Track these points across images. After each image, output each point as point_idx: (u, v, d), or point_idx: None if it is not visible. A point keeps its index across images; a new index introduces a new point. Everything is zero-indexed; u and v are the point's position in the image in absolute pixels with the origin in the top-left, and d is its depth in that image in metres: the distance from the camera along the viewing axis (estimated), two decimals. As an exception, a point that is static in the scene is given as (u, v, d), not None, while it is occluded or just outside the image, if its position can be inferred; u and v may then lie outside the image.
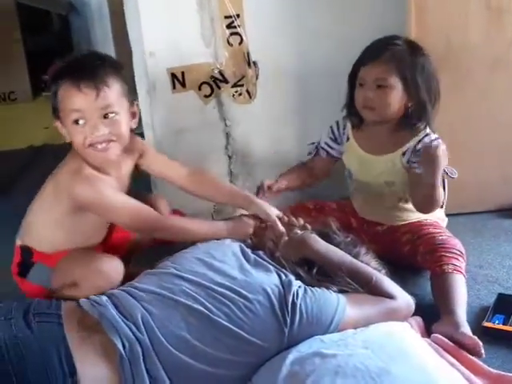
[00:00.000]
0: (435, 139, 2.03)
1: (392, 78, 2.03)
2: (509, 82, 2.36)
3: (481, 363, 1.65)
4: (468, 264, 2.09)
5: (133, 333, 1.47)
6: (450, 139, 2.36)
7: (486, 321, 1.85)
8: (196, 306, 1.53)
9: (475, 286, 2.06)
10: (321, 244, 1.77)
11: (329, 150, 2.30)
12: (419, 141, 2.08)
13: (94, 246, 2.00)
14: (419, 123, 2.08)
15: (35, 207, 1.96)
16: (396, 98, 2.05)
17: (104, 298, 1.56)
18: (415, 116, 2.07)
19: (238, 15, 2.43)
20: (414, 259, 2.09)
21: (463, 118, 2.39)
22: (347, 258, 1.75)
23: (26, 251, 1.97)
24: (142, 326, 1.48)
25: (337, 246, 1.80)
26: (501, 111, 2.40)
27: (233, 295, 1.56)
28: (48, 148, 3.63)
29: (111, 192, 1.86)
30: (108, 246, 2.04)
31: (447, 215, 2.28)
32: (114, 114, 1.80)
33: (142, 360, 1.44)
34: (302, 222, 1.92)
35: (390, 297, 1.68)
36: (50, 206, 1.91)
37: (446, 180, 2.08)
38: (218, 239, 1.87)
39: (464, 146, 2.41)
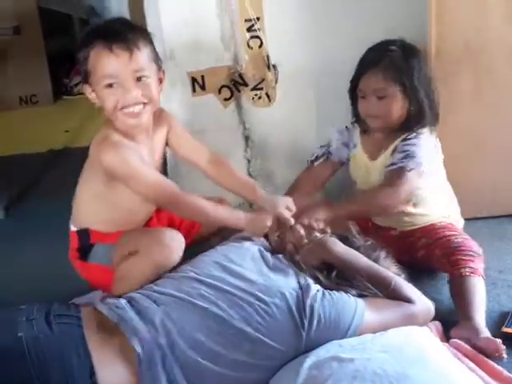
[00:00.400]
0: (411, 148, 2.03)
1: (391, 88, 2.04)
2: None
3: (500, 368, 1.64)
4: (487, 268, 2.08)
5: (151, 336, 1.47)
6: (468, 140, 2.38)
7: (506, 326, 1.83)
8: (214, 309, 1.54)
9: (495, 290, 2.04)
10: (341, 247, 1.77)
11: (340, 155, 2.27)
12: (403, 139, 2.07)
13: (143, 222, 2.05)
14: (418, 125, 2.07)
15: (79, 187, 2.02)
16: (397, 105, 2.06)
17: (123, 301, 1.57)
18: (414, 119, 2.07)
19: (258, 18, 2.43)
20: (429, 263, 2.08)
21: (482, 120, 2.37)
22: (367, 261, 1.75)
23: (83, 234, 2.01)
24: (161, 329, 1.49)
25: (356, 249, 1.79)
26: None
27: (251, 299, 1.56)
28: (68, 151, 3.65)
29: (136, 160, 1.86)
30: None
31: (465, 219, 2.26)
32: (145, 78, 1.82)
33: (160, 363, 1.45)
34: (321, 225, 1.92)
35: (410, 301, 1.68)
36: (89, 181, 1.98)
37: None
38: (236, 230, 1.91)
39: (482, 147, 2.40)
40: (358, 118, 2.19)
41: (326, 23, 2.50)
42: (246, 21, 2.43)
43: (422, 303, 1.70)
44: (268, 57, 2.47)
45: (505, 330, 1.82)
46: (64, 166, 3.40)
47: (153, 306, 1.54)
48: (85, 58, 1.82)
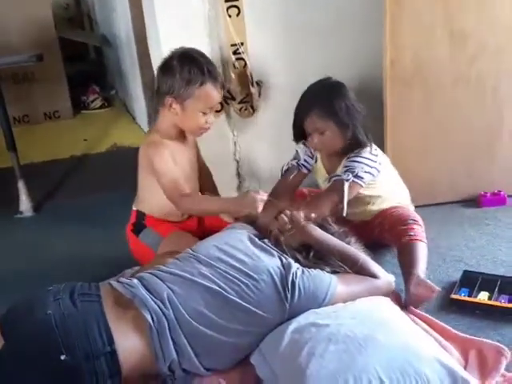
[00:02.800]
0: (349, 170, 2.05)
1: (325, 126, 2.07)
2: (470, 94, 2.36)
3: (450, 328, 1.65)
4: (438, 246, 2.10)
5: (160, 308, 1.47)
6: (423, 142, 2.40)
7: (454, 294, 1.85)
8: (212, 285, 1.53)
9: (444, 264, 2.06)
10: (317, 231, 1.77)
11: (307, 165, 2.29)
12: (348, 157, 2.10)
13: (181, 219, 2.14)
14: (358, 148, 2.09)
15: (138, 177, 2.12)
16: (335, 136, 2.08)
17: (135, 280, 1.56)
18: (353, 144, 2.09)
19: (242, 43, 2.43)
20: (383, 239, 2.09)
21: (433, 125, 2.39)
22: (339, 243, 1.75)
23: (140, 215, 2.15)
24: (168, 303, 1.48)
25: (331, 235, 1.79)
26: (464, 118, 2.39)
27: (242, 276, 1.56)
28: (87, 157, 3.64)
29: (164, 158, 1.98)
30: (205, 230, 2.14)
31: (420, 206, 2.27)
32: None
33: (167, 331, 1.45)
34: (302, 215, 1.90)
35: (374, 276, 1.68)
36: (142, 173, 2.09)
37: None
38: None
39: (434, 147, 2.42)
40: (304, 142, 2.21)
41: (299, 48, 2.51)
42: (231, 45, 2.43)
43: (385, 278, 1.70)
44: (251, 75, 2.46)
45: (453, 296, 1.84)
46: (84, 170, 3.42)
47: (161, 284, 1.54)
48: (190, 85, 1.95)
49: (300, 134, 2.17)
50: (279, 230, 1.79)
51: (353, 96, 2.11)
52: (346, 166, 2.08)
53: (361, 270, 1.68)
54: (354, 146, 2.10)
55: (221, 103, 2.47)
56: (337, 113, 2.05)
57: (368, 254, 1.78)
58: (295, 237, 1.75)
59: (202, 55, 2.04)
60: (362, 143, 2.09)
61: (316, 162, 2.27)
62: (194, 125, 2.03)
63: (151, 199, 2.11)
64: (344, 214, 2.01)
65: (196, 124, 2.03)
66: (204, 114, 2.00)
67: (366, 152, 2.09)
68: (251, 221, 1.85)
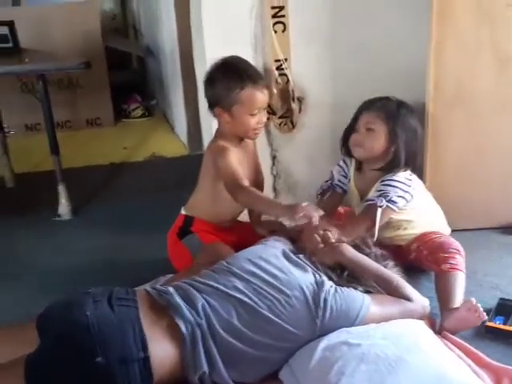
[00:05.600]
0: (383, 194, 2.03)
1: (378, 124, 2.07)
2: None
3: (484, 356, 1.63)
4: (474, 272, 2.07)
5: (194, 318, 1.48)
6: (462, 167, 2.37)
7: (489, 321, 1.82)
8: (245, 299, 1.54)
9: (480, 290, 2.02)
10: (351, 252, 1.76)
11: (343, 186, 2.29)
12: (382, 180, 2.09)
13: (229, 225, 2.20)
14: (394, 169, 2.08)
15: (198, 185, 2.18)
16: (380, 139, 2.07)
17: (171, 288, 1.58)
18: (391, 164, 2.08)
19: (286, 59, 2.45)
20: (420, 264, 2.07)
21: (474, 150, 2.37)
22: (373, 264, 1.74)
23: (188, 220, 2.18)
24: (202, 313, 1.50)
25: (367, 255, 1.78)
26: (505, 146, 2.37)
27: (275, 291, 1.56)
28: (125, 165, 3.69)
29: (228, 157, 2.00)
30: (242, 241, 2.12)
31: (456, 230, 2.25)
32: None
33: (200, 341, 1.46)
34: (336, 235, 1.88)
35: (408, 299, 1.66)
36: (202, 179, 2.15)
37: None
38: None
39: (473, 172, 2.40)
40: (346, 150, 2.20)
41: (341, 66, 2.52)
42: (275, 61, 2.45)
43: (419, 301, 1.68)
44: (293, 91, 2.48)
45: (488, 323, 1.81)
46: (122, 177, 3.47)
47: (196, 294, 1.55)
48: (236, 93, 1.98)
49: (349, 133, 2.16)
50: (312, 249, 1.79)
51: (417, 121, 2.12)
52: (380, 190, 2.06)
53: (395, 292, 1.67)
54: (390, 166, 2.09)
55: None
56: (395, 121, 2.05)
57: (404, 278, 1.76)
58: (328, 256, 1.75)
59: (240, 60, 2.07)
60: (398, 165, 2.07)
61: (349, 181, 2.27)
62: (245, 128, 2.06)
63: (208, 203, 2.14)
64: (375, 239, 1.98)
65: (247, 127, 2.05)
66: (253, 115, 2.03)
67: (400, 176, 2.07)
68: (288, 235, 1.86)
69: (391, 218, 2.08)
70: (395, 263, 1.80)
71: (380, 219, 2.00)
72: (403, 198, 2.05)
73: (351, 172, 2.25)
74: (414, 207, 2.11)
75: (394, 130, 2.06)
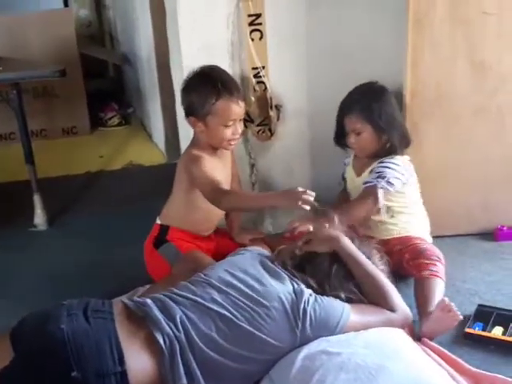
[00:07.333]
0: (380, 175, 2.12)
1: (362, 126, 2.17)
2: (489, 126, 2.36)
3: (463, 362, 1.64)
4: (453, 279, 2.08)
5: (172, 331, 1.46)
6: (440, 172, 2.39)
7: (468, 327, 1.84)
8: (223, 311, 1.53)
9: (458, 297, 2.04)
10: (349, 244, 1.73)
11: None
12: (380, 161, 2.17)
13: (207, 234, 2.21)
14: (391, 153, 2.18)
15: (172, 194, 2.18)
16: (370, 138, 2.18)
17: (149, 300, 1.56)
18: (387, 149, 2.17)
19: (264, 67, 2.45)
20: (401, 268, 2.08)
21: (451, 156, 2.39)
22: (370, 264, 1.71)
23: (164, 229, 2.17)
24: (180, 326, 1.48)
25: (351, 240, 1.75)
26: (482, 150, 2.39)
27: (254, 303, 1.55)
28: (102, 173, 3.66)
29: (203, 166, 2.01)
30: (220, 249, 2.17)
31: (436, 237, 2.27)
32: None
33: (178, 354, 1.44)
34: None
35: (392, 310, 1.65)
36: (176, 188, 2.15)
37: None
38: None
39: (452, 178, 2.42)
40: (340, 143, 2.31)
41: (318, 73, 2.53)
42: (252, 68, 2.45)
43: (402, 313, 1.66)
44: (271, 98, 2.48)
45: (467, 330, 1.83)
46: (99, 186, 3.44)
47: (174, 307, 1.53)
48: (211, 104, 1.99)
49: (340, 133, 2.25)
50: (299, 248, 1.75)
51: (394, 102, 2.20)
52: (378, 172, 2.14)
53: (381, 299, 1.65)
54: (387, 151, 2.17)
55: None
56: (375, 117, 2.14)
57: (390, 276, 1.75)
58: (326, 241, 1.73)
59: (217, 70, 2.08)
60: (395, 150, 2.16)
61: (347, 165, 2.36)
62: (220, 139, 2.07)
63: (182, 212, 2.14)
64: (382, 217, 2.10)
65: (221, 138, 2.06)
66: (227, 126, 2.03)
67: (398, 159, 2.16)
68: (267, 243, 1.85)
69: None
70: (381, 254, 1.79)
71: (382, 199, 2.08)
72: (399, 179, 2.14)
73: (350, 159, 2.35)
74: (405, 194, 2.18)
75: (377, 125, 2.14)
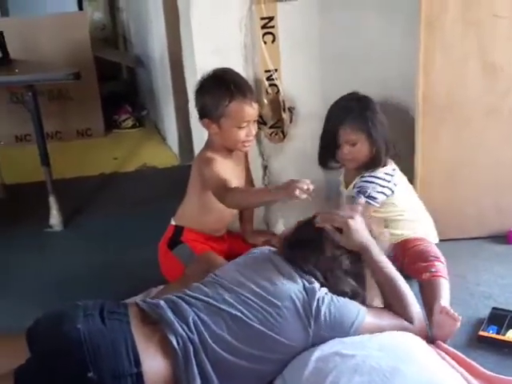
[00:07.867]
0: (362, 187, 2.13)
1: (357, 136, 2.16)
2: (501, 128, 2.34)
3: (477, 365, 1.62)
4: (466, 282, 2.07)
5: (185, 332, 1.46)
6: (453, 175, 2.37)
7: (482, 330, 1.82)
8: (235, 312, 1.53)
9: (472, 300, 2.03)
10: (375, 245, 1.70)
11: None
12: (361, 176, 2.18)
13: (219, 234, 2.22)
14: (373, 166, 2.17)
15: (186, 195, 2.19)
16: (364, 147, 2.17)
17: (162, 302, 1.56)
18: (373, 160, 2.17)
19: (276, 70, 2.45)
20: (403, 270, 2.06)
21: (464, 158, 2.37)
22: (397, 272, 1.68)
23: (178, 230, 2.18)
24: (193, 327, 1.48)
25: None
26: (494, 153, 2.37)
27: (265, 303, 1.54)
28: (116, 175, 3.68)
29: (214, 167, 2.02)
30: (233, 250, 2.17)
31: (448, 240, 2.25)
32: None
33: (192, 355, 1.44)
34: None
35: (410, 321, 1.62)
36: (190, 190, 2.17)
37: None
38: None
39: (464, 181, 2.40)
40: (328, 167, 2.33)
41: (330, 76, 2.52)
42: (265, 71, 2.45)
43: (419, 324, 1.64)
44: (284, 101, 2.48)
45: (481, 333, 1.81)
46: (113, 188, 3.45)
47: (187, 308, 1.53)
48: (225, 106, 2.00)
49: (328, 148, 2.23)
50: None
51: (379, 110, 2.19)
52: (359, 187, 2.15)
53: (400, 308, 1.63)
54: (372, 162, 2.17)
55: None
56: (369, 126, 2.13)
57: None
58: (357, 239, 1.67)
59: (231, 72, 2.09)
60: (379, 162, 2.15)
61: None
62: (234, 141, 2.08)
63: (196, 213, 2.16)
64: (377, 229, 1.98)
65: (235, 139, 2.07)
66: (241, 128, 2.04)
67: (379, 172, 2.15)
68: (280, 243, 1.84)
69: (372, 215, 2.11)
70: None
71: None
72: (382, 193, 2.13)
73: (342, 170, 2.35)
74: (395, 203, 2.16)
75: (370, 134, 2.14)
